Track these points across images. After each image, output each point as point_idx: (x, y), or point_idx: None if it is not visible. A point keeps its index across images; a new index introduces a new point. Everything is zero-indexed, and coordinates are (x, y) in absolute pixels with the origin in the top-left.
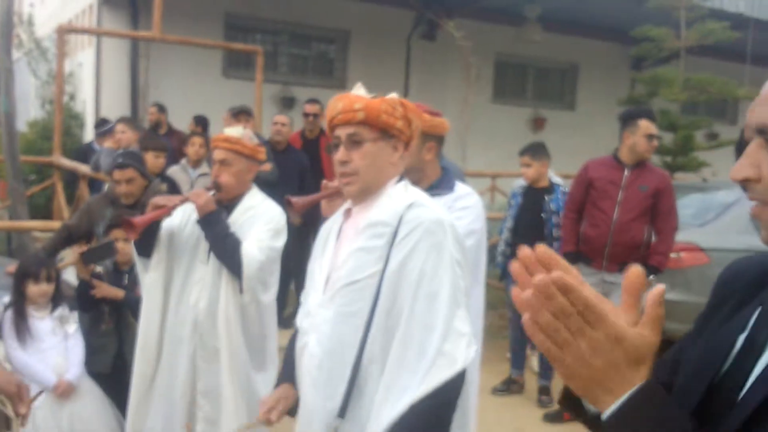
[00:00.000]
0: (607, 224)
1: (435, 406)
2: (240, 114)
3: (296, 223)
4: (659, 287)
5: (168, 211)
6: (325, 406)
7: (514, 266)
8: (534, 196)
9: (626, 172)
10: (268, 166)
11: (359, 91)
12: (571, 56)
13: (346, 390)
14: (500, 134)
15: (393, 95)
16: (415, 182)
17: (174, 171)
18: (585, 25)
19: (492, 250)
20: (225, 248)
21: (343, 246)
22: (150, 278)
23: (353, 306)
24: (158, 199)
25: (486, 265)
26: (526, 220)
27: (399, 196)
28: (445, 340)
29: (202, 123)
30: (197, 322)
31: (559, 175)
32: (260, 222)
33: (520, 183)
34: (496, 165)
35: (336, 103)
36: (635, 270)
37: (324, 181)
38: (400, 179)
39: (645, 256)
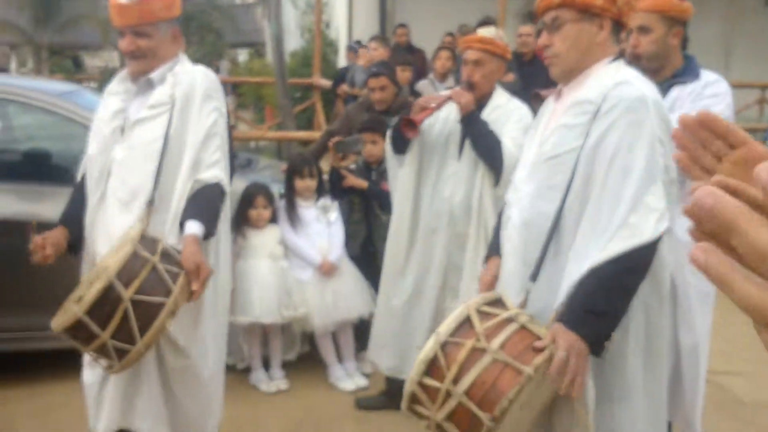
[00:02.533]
0: None
1: (616, 271)
2: (484, 25)
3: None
4: None
5: (437, 108)
6: (521, 270)
7: (675, 131)
8: None
9: None
10: (510, 77)
11: None
12: None
13: (539, 256)
14: None
15: None
16: (658, 69)
17: (422, 85)
18: None
19: None
20: (487, 144)
21: (551, 124)
22: (404, 173)
23: (553, 179)
24: (423, 100)
25: None
26: None
27: (608, 75)
28: (632, 213)
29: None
30: (452, 214)
31: None
32: (511, 120)
33: None
34: (766, 76)
35: None
36: None
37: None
38: (616, 59)
39: None
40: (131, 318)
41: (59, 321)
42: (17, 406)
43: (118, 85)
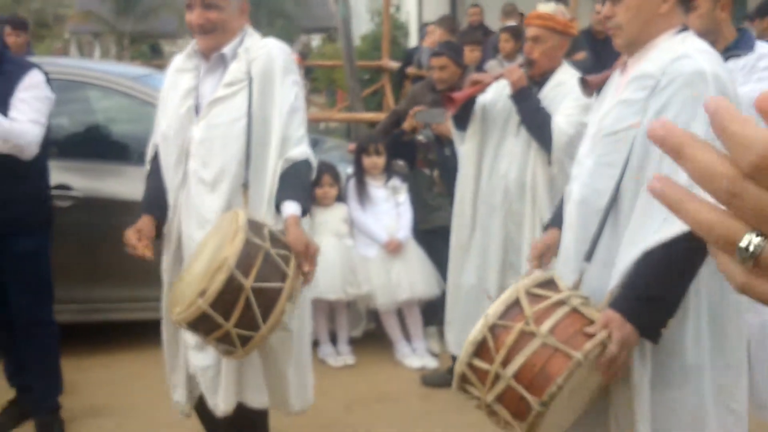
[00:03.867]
0: None
1: (671, 255)
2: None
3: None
4: None
5: (484, 87)
6: (575, 247)
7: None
8: None
9: None
10: (581, 55)
11: None
12: None
13: (595, 236)
14: None
15: None
16: (711, 44)
17: (491, 65)
18: None
19: None
20: (535, 122)
21: (614, 98)
22: (465, 149)
23: (610, 156)
24: (475, 76)
25: None
26: None
27: (671, 48)
28: None
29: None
30: (507, 191)
31: None
32: (570, 97)
33: None
34: None
35: None
36: None
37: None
38: (682, 30)
39: None
40: (253, 306)
41: (182, 315)
42: (93, 374)
43: (186, 62)
